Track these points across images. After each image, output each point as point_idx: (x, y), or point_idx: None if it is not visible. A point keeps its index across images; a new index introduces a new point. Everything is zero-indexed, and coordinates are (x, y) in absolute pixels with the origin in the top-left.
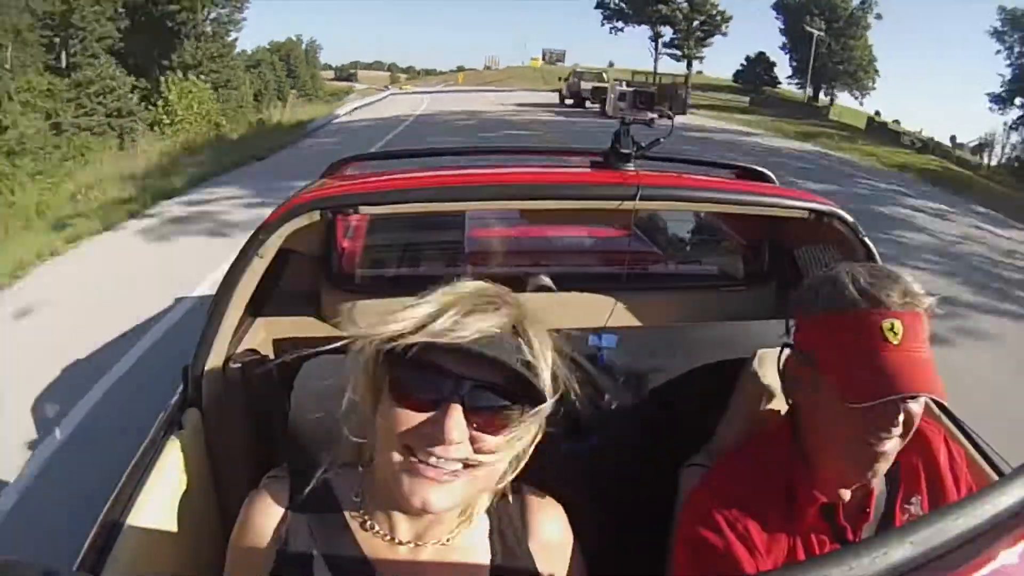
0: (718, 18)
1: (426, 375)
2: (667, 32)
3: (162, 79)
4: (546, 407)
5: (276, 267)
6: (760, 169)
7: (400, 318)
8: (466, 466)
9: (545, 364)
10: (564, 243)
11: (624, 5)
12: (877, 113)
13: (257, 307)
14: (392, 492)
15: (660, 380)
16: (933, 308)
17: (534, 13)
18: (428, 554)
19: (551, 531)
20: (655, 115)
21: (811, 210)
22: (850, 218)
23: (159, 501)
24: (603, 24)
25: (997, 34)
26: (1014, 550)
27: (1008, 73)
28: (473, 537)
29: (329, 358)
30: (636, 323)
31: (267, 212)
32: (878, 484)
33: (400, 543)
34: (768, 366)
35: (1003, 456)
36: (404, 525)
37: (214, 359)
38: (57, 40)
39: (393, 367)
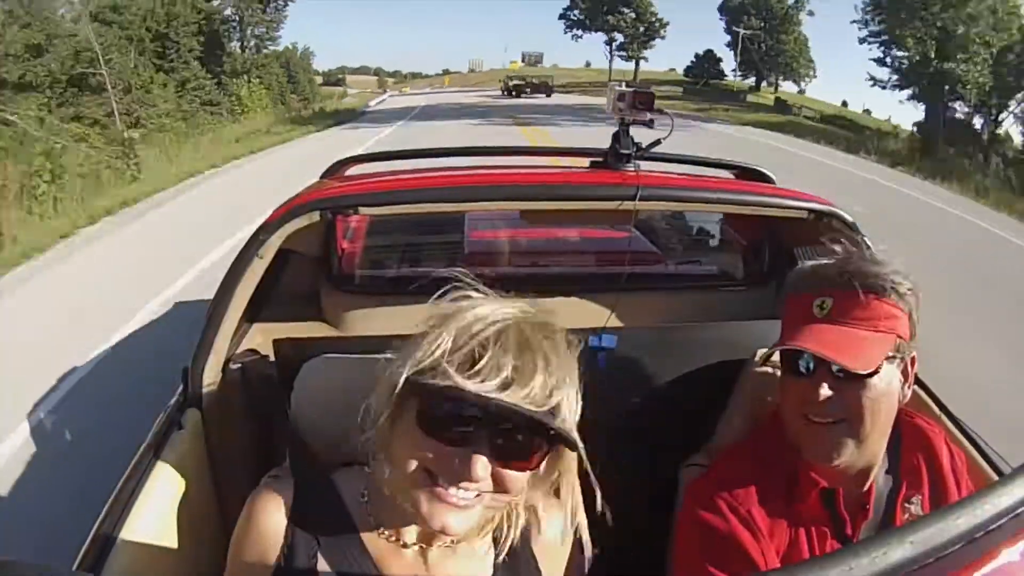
0: (656, 24)
1: (456, 412)
2: (620, 36)
3: (233, 81)
4: (572, 453)
5: (276, 267)
6: (760, 169)
7: (437, 348)
8: (480, 493)
9: (575, 404)
10: (564, 244)
11: (582, 16)
12: (844, 103)
13: (257, 308)
14: (406, 506)
15: (660, 380)
16: (901, 299)
17: (517, 15)
18: (434, 556)
19: (554, 531)
20: (655, 115)
21: (810, 210)
22: (849, 218)
23: (159, 501)
24: (565, 32)
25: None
26: (1014, 549)
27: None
28: (477, 538)
29: (329, 358)
30: (636, 323)
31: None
32: (879, 482)
33: (406, 545)
34: (768, 366)
35: (1003, 457)
36: (411, 529)
37: (214, 359)
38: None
39: (422, 396)
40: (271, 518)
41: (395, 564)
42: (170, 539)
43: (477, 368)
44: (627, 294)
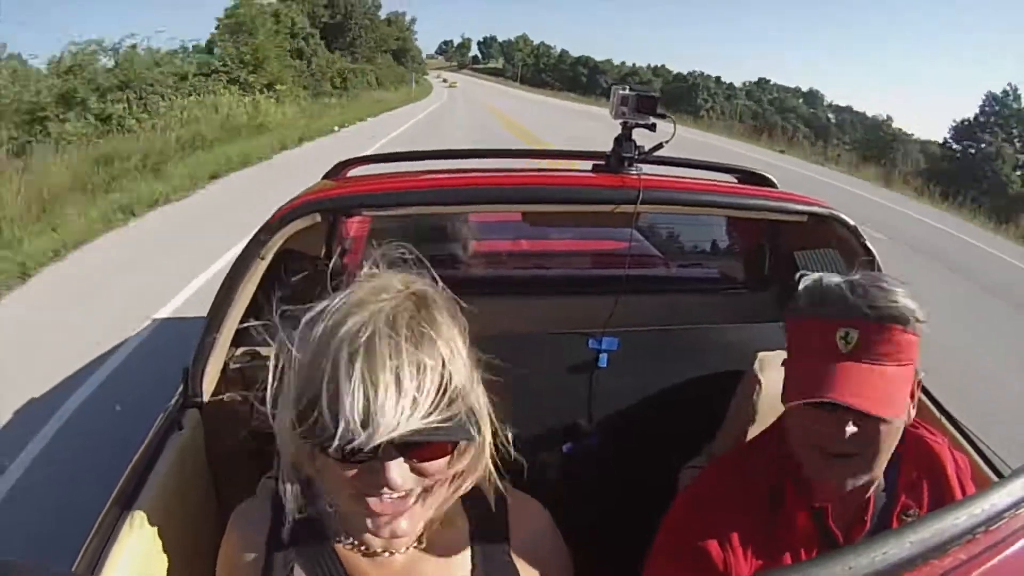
0: (469, 56)
1: (354, 450)
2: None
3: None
4: (482, 435)
5: (277, 268)
6: (762, 173)
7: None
8: (408, 492)
9: (463, 373)
10: (565, 246)
11: (444, 49)
12: None
13: (258, 308)
14: (357, 523)
15: (661, 382)
16: (917, 325)
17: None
18: (403, 561)
19: (533, 531)
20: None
21: (811, 214)
22: (851, 221)
23: (158, 502)
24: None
25: None
26: (1012, 549)
27: None
28: (452, 539)
29: None
30: (637, 326)
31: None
32: (877, 497)
33: (376, 554)
34: (769, 369)
35: (1006, 460)
36: (371, 537)
37: (214, 360)
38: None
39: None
40: (249, 538)
41: (367, 573)
42: (169, 540)
43: (354, 425)
44: (628, 296)
